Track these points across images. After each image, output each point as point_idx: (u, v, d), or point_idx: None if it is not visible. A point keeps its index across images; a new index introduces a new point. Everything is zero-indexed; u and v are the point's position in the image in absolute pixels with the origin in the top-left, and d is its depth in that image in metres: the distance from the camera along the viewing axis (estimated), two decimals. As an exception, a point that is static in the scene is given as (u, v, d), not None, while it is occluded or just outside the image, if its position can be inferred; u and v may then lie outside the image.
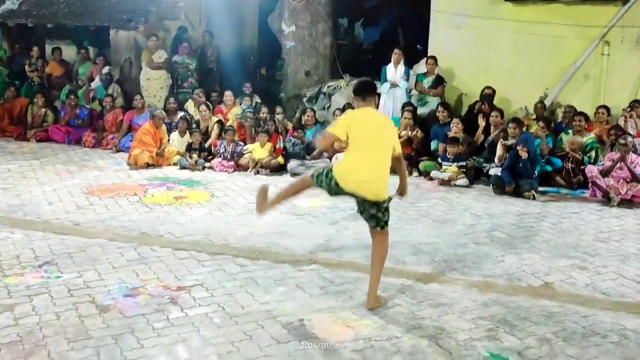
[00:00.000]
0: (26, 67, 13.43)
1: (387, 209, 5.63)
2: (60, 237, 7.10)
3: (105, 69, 12.94)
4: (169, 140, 10.89)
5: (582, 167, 9.43)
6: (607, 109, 10.47)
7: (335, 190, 5.68)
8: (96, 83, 12.96)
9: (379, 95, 5.69)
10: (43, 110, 12.35)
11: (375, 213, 5.59)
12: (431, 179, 9.78)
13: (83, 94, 12.83)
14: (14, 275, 6.08)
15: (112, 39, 13.31)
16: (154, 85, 12.72)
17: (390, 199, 5.61)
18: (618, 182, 8.82)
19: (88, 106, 12.54)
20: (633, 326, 5.32)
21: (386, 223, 5.65)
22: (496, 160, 9.68)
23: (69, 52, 13.86)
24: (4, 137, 12.27)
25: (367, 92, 5.68)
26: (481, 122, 10.36)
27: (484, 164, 9.91)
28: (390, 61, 11.33)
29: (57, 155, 11.09)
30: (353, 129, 5.47)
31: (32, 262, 6.40)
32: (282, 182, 9.64)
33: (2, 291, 5.73)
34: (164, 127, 10.92)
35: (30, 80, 13.26)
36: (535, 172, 9.26)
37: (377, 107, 5.89)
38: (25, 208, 8.14)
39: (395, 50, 11.39)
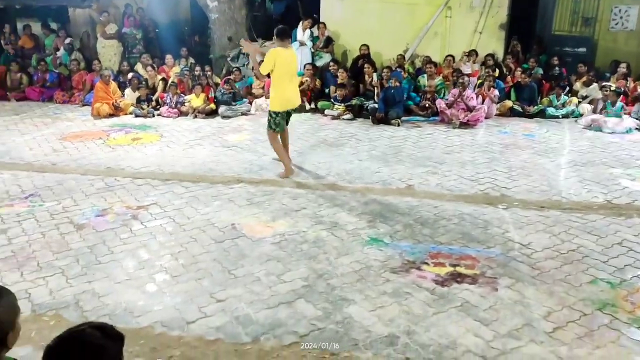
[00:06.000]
0: (1, 41, 12.29)
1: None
2: (41, 174, 6.73)
3: (67, 40, 12.02)
4: (123, 94, 10.33)
5: (434, 101, 9.61)
6: (452, 57, 10.63)
7: (281, 118, 6.40)
8: (61, 52, 12.02)
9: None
10: (19, 75, 11.41)
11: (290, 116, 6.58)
12: (325, 115, 9.74)
13: (51, 60, 11.91)
14: (5, 206, 5.77)
15: (71, 16, 12.33)
16: (108, 52, 11.86)
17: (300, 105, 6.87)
18: (458, 111, 9.06)
19: (56, 71, 11.66)
20: (468, 211, 5.60)
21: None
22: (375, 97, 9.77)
23: (36, 28, 12.74)
24: (-12, 99, 11.30)
25: (284, 35, 6.34)
26: (368, 75, 10.22)
27: (365, 102, 9.93)
28: (295, 27, 11.00)
29: (34, 111, 10.35)
30: (278, 62, 6.11)
31: (19, 195, 6.07)
32: (214, 122, 9.45)
33: (-4, 219, 5.43)
34: (113, 83, 10.26)
35: (6, 52, 12.17)
36: (403, 98, 9.39)
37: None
38: (10, 153, 7.64)
39: (306, 19, 11.14)
